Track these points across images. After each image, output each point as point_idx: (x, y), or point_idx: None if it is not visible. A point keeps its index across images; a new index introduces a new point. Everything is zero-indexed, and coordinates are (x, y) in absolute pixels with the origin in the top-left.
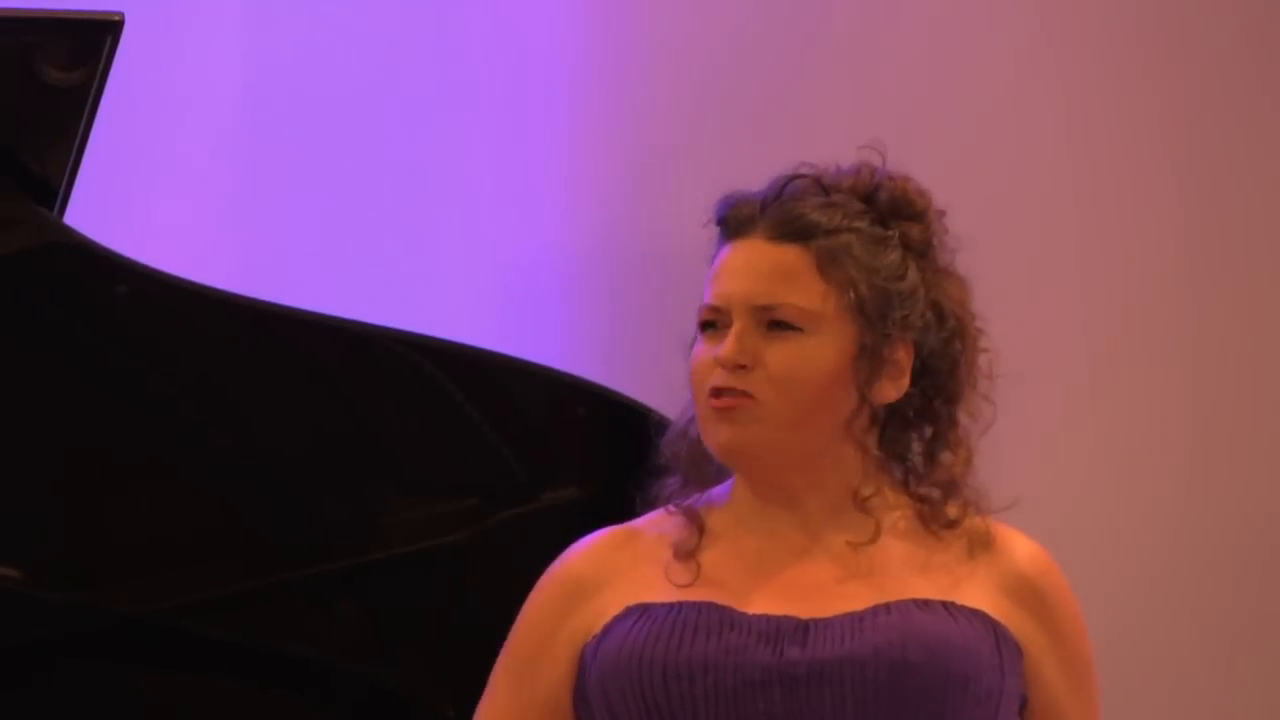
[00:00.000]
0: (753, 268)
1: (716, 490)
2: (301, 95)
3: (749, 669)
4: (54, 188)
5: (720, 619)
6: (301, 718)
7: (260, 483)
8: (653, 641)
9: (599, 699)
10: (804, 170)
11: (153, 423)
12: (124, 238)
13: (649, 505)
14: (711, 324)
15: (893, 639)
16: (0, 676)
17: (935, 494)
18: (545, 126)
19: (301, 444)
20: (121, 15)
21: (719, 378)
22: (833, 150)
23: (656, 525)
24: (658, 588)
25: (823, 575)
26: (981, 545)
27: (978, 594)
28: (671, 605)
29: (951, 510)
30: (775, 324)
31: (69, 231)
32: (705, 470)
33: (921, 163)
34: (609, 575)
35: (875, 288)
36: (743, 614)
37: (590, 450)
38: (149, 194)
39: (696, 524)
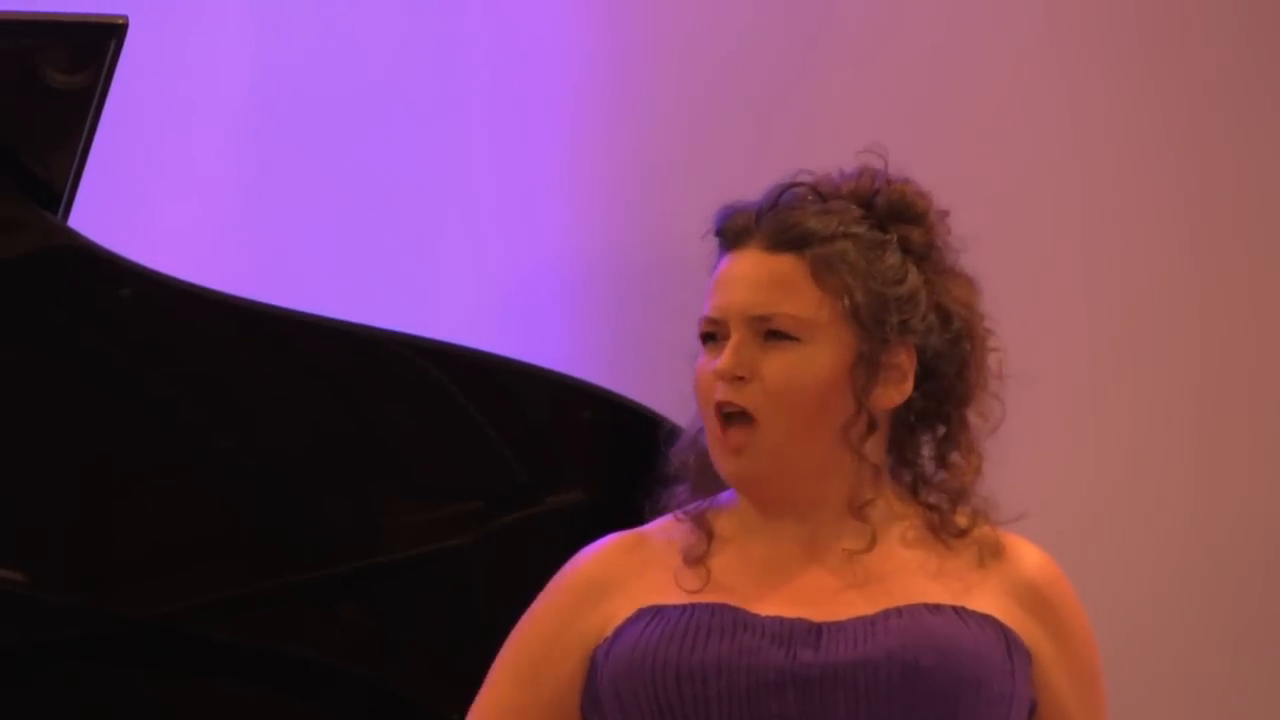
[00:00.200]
0: (749, 278)
1: (723, 495)
2: (306, 99)
3: (762, 671)
4: (58, 191)
5: (733, 620)
6: None
7: (264, 485)
8: (666, 643)
9: (611, 701)
10: (801, 177)
11: (157, 426)
12: (128, 241)
13: (657, 512)
14: (711, 335)
15: (905, 642)
16: (4, 680)
17: (944, 503)
18: (550, 131)
19: (305, 447)
20: (125, 18)
21: (720, 391)
22: (837, 155)
23: (665, 531)
24: (668, 592)
25: (831, 581)
26: (991, 554)
27: (988, 600)
28: (684, 607)
29: (961, 519)
30: (772, 334)
31: (73, 235)
32: (714, 478)
33: (925, 164)
34: (620, 579)
35: (871, 293)
36: (755, 615)
37: (594, 454)
38: (153, 197)
39: (705, 530)
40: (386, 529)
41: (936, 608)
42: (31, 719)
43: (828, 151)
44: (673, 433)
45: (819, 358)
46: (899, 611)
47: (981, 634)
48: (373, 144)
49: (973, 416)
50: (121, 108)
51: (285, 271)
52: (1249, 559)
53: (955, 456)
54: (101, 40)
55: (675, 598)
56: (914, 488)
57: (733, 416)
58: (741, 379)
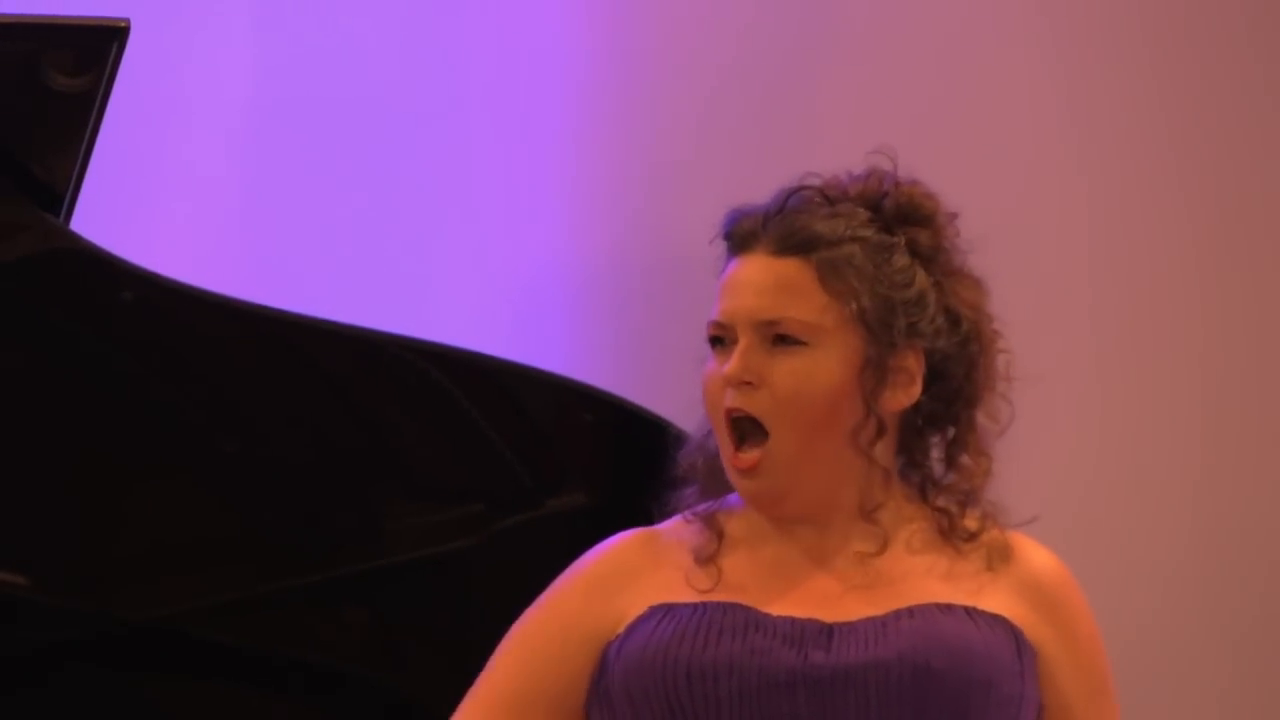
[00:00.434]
0: (756, 283)
1: (732, 497)
2: (308, 102)
3: (773, 670)
4: (60, 194)
5: (745, 620)
6: None
7: (265, 488)
8: (677, 641)
9: (622, 699)
10: (809, 181)
11: (157, 428)
12: (130, 244)
13: (665, 515)
14: (720, 340)
15: (916, 643)
16: (8, 683)
17: (954, 506)
18: (553, 133)
19: (308, 450)
20: (127, 21)
21: (730, 398)
22: (843, 157)
23: (675, 532)
24: (679, 591)
25: (842, 582)
26: (1000, 557)
27: (998, 600)
28: (696, 605)
29: (971, 522)
30: (780, 339)
31: (75, 237)
32: (723, 480)
33: (932, 166)
34: (633, 574)
35: (878, 296)
36: (767, 615)
37: (597, 457)
38: (155, 200)
39: (715, 531)
40: (389, 532)
41: (948, 608)
42: None
43: (833, 154)
44: (680, 437)
45: (827, 362)
46: (910, 612)
47: (992, 635)
48: (375, 147)
49: (981, 418)
50: (123, 111)
51: (287, 274)
52: (1255, 561)
53: (964, 459)
54: (104, 43)
55: (687, 596)
56: (923, 490)
57: (744, 427)
58: (749, 384)
